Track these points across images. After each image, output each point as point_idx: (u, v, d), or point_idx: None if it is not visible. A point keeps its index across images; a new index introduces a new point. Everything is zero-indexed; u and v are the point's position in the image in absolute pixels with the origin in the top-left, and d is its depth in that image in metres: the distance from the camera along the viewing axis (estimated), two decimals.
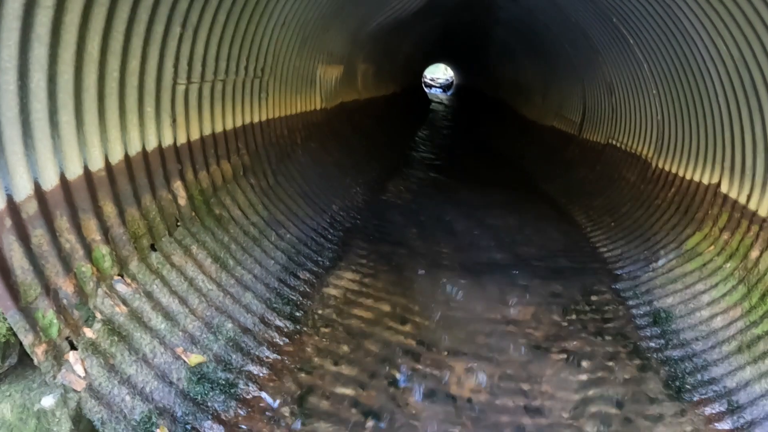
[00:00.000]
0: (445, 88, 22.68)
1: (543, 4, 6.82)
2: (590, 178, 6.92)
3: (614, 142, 6.77)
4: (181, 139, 3.46)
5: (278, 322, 3.31)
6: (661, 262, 4.60)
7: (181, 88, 3.31)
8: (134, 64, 2.83)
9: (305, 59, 5.61)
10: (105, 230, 2.84)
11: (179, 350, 2.82)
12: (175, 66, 3.13)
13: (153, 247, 3.12)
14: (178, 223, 3.38)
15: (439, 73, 24.00)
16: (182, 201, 3.47)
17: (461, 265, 4.71)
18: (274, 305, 3.42)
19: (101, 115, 2.72)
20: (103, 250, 2.77)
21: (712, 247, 4.33)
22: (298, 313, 3.46)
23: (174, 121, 3.33)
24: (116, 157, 2.91)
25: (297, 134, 5.66)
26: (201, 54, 3.34)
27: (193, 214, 3.52)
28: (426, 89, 21.36)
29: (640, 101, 6.05)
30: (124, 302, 2.79)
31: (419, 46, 13.26)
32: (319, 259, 4.24)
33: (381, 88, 11.25)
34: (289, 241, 4.22)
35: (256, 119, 4.53)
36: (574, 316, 3.94)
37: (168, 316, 2.89)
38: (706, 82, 4.40)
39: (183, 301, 3.03)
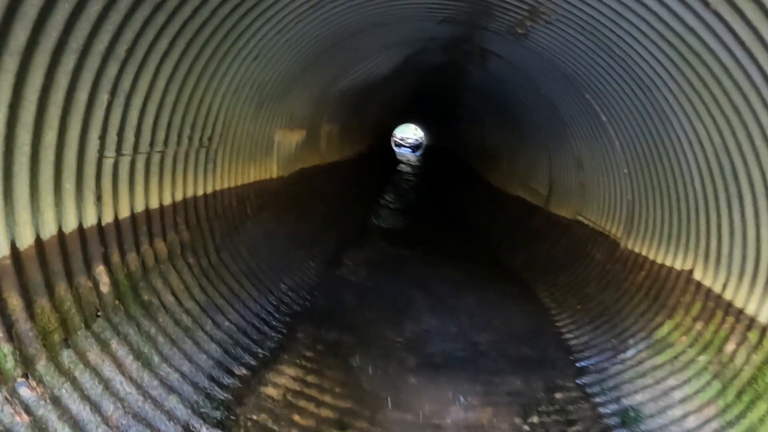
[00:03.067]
0: (414, 148, 22.97)
1: (513, 73, 7.01)
2: (555, 253, 6.91)
3: (582, 219, 6.81)
4: (107, 218, 3.23)
5: (204, 431, 2.99)
6: (630, 353, 4.49)
7: (108, 162, 3.11)
8: (50, 136, 2.63)
9: (261, 124, 5.51)
10: (8, 326, 2.56)
11: None
12: (102, 137, 2.94)
13: (66, 343, 2.83)
14: (99, 314, 3.10)
15: (409, 132, 24.33)
16: (105, 288, 3.20)
17: (415, 358, 4.50)
18: (202, 410, 3.12)
19: (7, 195, 2.49)
20: (5, 349, 2.50)
21: (685, 337, 4.25)
22: (229, 419, 3.15)
23: (99, 198, 3.11)
24: (25, 242, 2.66)
25: (248, 205, 5.48)
26: (134, 123, 3.18)
27: (117, 302, 3.25)
28: (395, 148, 21.59)
29: (610, 179, 6.13)
30: (27, 410, 2.50)
31: (389, 105, 13.46)
32: (259, 351, 3.96)
33: (346, 149, 11.24)
34: (227, 329, 3.94)
35: (200, 192, 4.34)
36: (536, 419, 3.74)
37: (76, 426, 2.60)
38: (682, 165, 4.44)
39: (96, 408, 2.73)
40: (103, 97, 2.86)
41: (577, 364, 4.64)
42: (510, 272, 7.32)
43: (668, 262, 4.86)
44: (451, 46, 6.85)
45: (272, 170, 6.27)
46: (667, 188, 4.84)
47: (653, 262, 5.11)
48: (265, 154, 5.90)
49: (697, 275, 4.39)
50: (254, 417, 3.24)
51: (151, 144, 3.42)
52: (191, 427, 2.97)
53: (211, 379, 3.38)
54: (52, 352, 2.71)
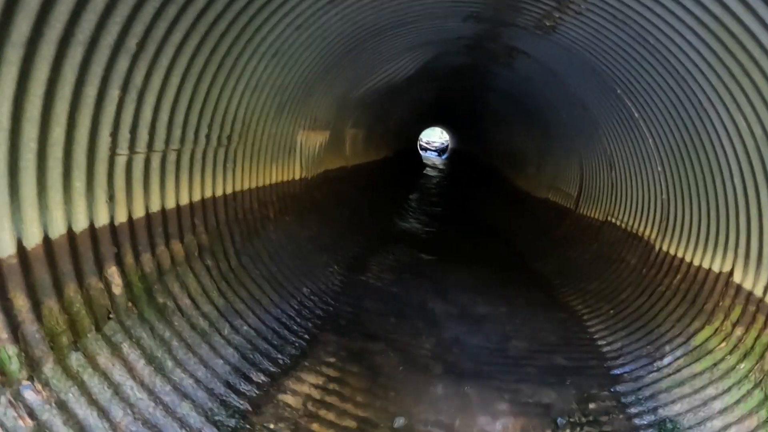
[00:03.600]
0: (440, 152, 22.92)
1: (540, 72, 6.77)
2: (586, 259, 6.61)
3: (614, 220, 6.51)
4: (121, 218, 3.12)
5: None
6: (666, 360, 4.20)
7: (121, 160, 3.01)
8: (58, 132, 2.53)
9: (283, 125, 5.40)
10: (14, 327, 2.46)
11: None
12: (113, 134, 2.84)
13: (75, 345, 2.73)
14: (110, 316, 2.99)
15: (435, 136, 24.35)
16: (117, 289, 3.09)
17: (442, 366, 4.27)
18: (216, 418, 2.97)
19: (13, 192, 2.39)
20: (9, 350, 2.41)
21: (724, 343, 3.95)
22: (244, 428, 2.99)
23: (111, 197, 3.00)
24: (32, 241, 2.56)
25: (270, 207, 5.36)
26: (148, 121, 3.07)
27: (130, 304, 3.14)
28: (421, 152, 21.58)
29: (643, 178, 5.83)
30: (31, 414, 2.39)
31: (414, 109, 13.34)
32: (279, 357, 3.80)
33: (371, 153, 11.14)
34: (246, 334, 3.80)
35: (219, 192, 4.22)
36: (568, 431, 3.48)
37: None
38: (720, 160, 4.15)
39: (104, 414, 2.61)
40: (114, 93, 2.76)
41: (612, 372, 4.36)
42: (540, 279, 7.03)
43: (706, 265, 4.56)
44: (476, 45, 6.64)
45: (295, 172, 6.16)
46: (704, 186, 4.54)
47: (690, 265, 4.81)
48: (287, 155, 5.79)
49: (737, 277, 4.09)
50: (271, 426, 3.08)
51: (167, 142, 3.32)
52: None
53: (228, 385, 3.24)
54: (59, 354, 2.61)
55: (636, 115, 5.36)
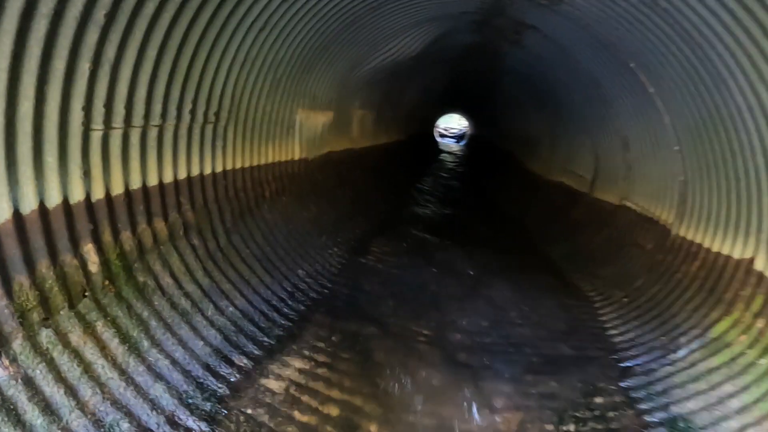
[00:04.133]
0: (458, 138, 22.89)
1: (551, 49, 6.54)
2: (600, 243, 6.43)
3: (629, 204, 6.30)
4: (98, 194, 3.07)
5: (190, 423, 2.80)
6: (681, 353, 4.03)
7: (96, 135, 2.95)
8: (26, 106, 2.47)
9: (279, 103, 5.31)
10: None
11: None
12: (86, 109, 2.77)
13: (46, 322, 2.70)
14: (86, 294, 2.96)
15: (453, 123, 24.34)
16: (93, 267, 3.05)
17: (439, 353, 4.16)
18: (190, 400, 2.92)
19: None
20: None
21: (744, 336, 3.77)
22: (219, 412, 2.94)
23: (86, 173, 2.95)
24: (2, 216, 2.52)
25: (265, 187, 5.29)
26: (124, 95, 3.00)
27: (107, 282, 3.09)
28: (439, 138, 21.55)
29: (659, 158, 5.62)
30: None
31: (427, 93, 13.17)
32: (265, 339, 3.74)
33: (381, 135, 10.99)
34: (231, 315, 3.75)
35: (207, 170, 4.16)
36: (571, 427, 3.35)
37: (48, 409, 2.45)
38: (741, 137, 3.93)
39: (71, 392, 2.58)
40: (84, 66, 2.69)
41: (621, 365, 4.20)
42: (550, 263, 6.88)
43: (726, 251, 4.37)
44: (484, 21, 6.44)
45: (294, 152, 6.08)
46: (725, 165, 4.31)
47: (708, 251, 4.62)
48: (285, 134, 5.70)
49: (759, 265, 3.90)
50: (249, 411, 3.02)
51: (146, 117, 3.25)
52: (176, 419, 2.78)
53: (206, 368, 3.19)
54: (29, 331, 2.58)
55: (651, 90, 5.13)
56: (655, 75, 4.84)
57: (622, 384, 3.87)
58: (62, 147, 2.75)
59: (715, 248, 4.53)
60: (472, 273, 6.29)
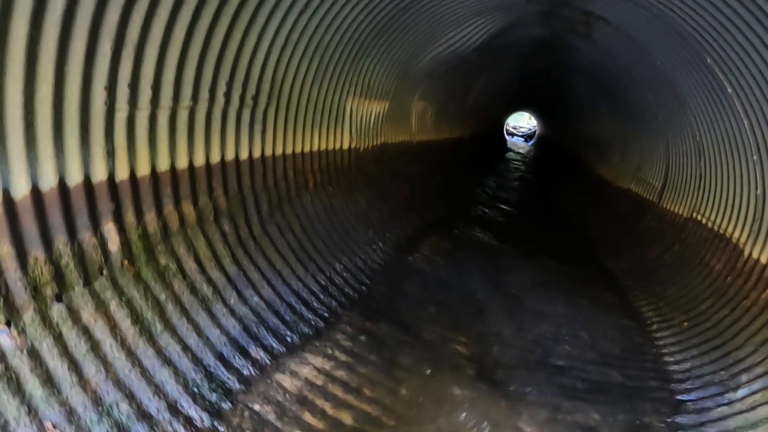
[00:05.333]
0: (527, 137, 22.61)
1: (624, 45, 6.05)
2: (666, 260, 5.89)
3: (699, 217, 5.73)
4: (122, 174, 3.04)
5: (192, 413, 2.72)
6: (741, 393, 3.57)
7: (121, 116, 2.91)
8: (45, 87, 2.45)
9: (327, 89, 5.18)
10: None
11: (48, 425, 2.35)
12: (109, 89, 2.74)
13: (59, 297, 2.71)
14: (103, 272, 2.95)
15: (522, 121, 24.26)
16: (113, 246, 3.03)
17: (476, 367, 3.87)
18: (196, 389, 2.85)
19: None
20: None
21: None
22: (224, 405, 2.85)
23: (109, 153, 2.92)
24: (20, 191, 2.52)
25: (308, 176, 5.19)
26: (150, 76, 2.95)
27: (126, 262, 3.07)
28: (508, 137, 21.35)
29: (735, 168, 5.05)
30: (1, 357, 2.37)
31: (495, 90, 12.79)
32: (288, 334, 3.62)
33: (443, 130, 10.72)
34: (255, 305, 3.66)
35: (244, 155, 4.09)
36: None
37: (49, 381, 2.45)
38: None
39: (75, 368, 2.57)
40: (106, 47, 2.65)
41: (674, 398, 3.79)
42: (611, 278, 6.39)
43: None
44: (550, 12, 6.04)
45: (343, 141, 5.94)
46: None
47: None
48: (333, 122, 5.57)
49: None
50: (256, 407, 2.91)
51: (175, 99, 3.19)
52: (178, 406, 2.71)
53: (219, 357, 3.11)
54: (42, 304, 2.58)
55: (729, 90, 4.60)
56: (735, 72, 4.32)
57: (671, 420, 3.47)
58: (84, 127, 2.72)
59: None
60: (525, 282, 5.93)
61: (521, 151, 19.21)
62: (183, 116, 3.33)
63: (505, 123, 20.95)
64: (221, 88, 3.53)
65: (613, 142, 9.38)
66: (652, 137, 7.16)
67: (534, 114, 20.62)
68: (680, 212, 6.14)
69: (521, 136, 22.91)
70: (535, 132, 22.44)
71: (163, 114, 3.18)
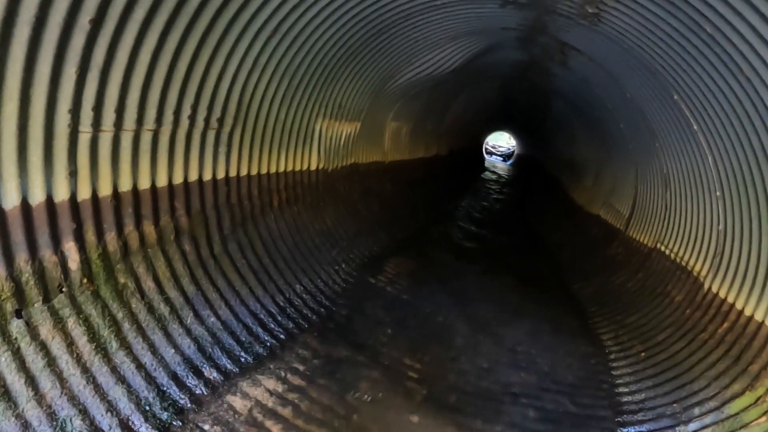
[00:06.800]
0: (505, 157, 23.28)
1: (597, 74, 6.50)
2: (629, 287, 6.29)
3: (663, 248, 6.15)
4: (84, 194, 3.31)
5: (142, 430, 2.97)
6: (692, 427, 3.90)
7: (84, 137, 3.18)
8: (11, 107, 2.72)
9: (296, 111, 5.50)
10: None
11: None
12: (73, 111, 3.01)
13: (19, 314, 2.95)
14: (62, 290, 3.20)
15: (502, 141, 24.94)
16: (73, 264, 3.29)
17: (427, 392, 4.17)
18: (148, 407, 3.10)
19: None
20: None
21: (765, 418, 3.61)
22: (175, 424, 3.11)
23: (72, 173, 3.19)
24: None
25: (273, 195, 5.49)
26: (114, 99, 3.23)
27: (85, 280, 3.33)
28: (486, 156, 21.85)
29: (699, 202, 5.47)
30: None
31: (475, 109, 13.24)
32: (242, 355, 3.90)
33: (418, 149, 11.10)
34: (211, 325, 3.93)
35: (207, 176, 4.37)
36: None
37: (6, 395, 2.70)
38: None
39: (32, 383, 2.82)
40: (71, 71, 2.92)
41: (626, 430, 4.12)
42: (574, 303, 6.78)
43: (759, 316, 4.21)
44: (528, 39, 6.47)
45: (311, 161, 6.26)
46: None
47: (741, 313, 4.45)
48: (302, 143, 5.89)
49: None
50: (205, 427, 3.17)
51: (139, 121, 3.47)
52: (130, 423, 2.96)
53: (173, 377, 3.37)
54: (1, 320, 2.82)
55: (695, 126, 5.02)
56: (700, 109, 4.72)
57: None
58: (47, 147, 2.99)
59: (747, 311, 4.37)
60: (489, 304, 6.29)
61: (499, 171, 19.71)
62: (146, 138, 3.61)
63: (484, 141, 21.53)
64: (186, 111, 3.83)
65: (587, 166, 9.84)
66: (623, 165, 7.61)
67: (513, 134, 21.20)
68: (645, 241, 6.57)
69: (500, 155, 23.54)
70: (513, 152, 23.03)
71: (126, 136, 3.46)
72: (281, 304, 4.75)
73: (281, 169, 5.60)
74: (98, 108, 3.18)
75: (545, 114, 11.94)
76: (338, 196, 7.14)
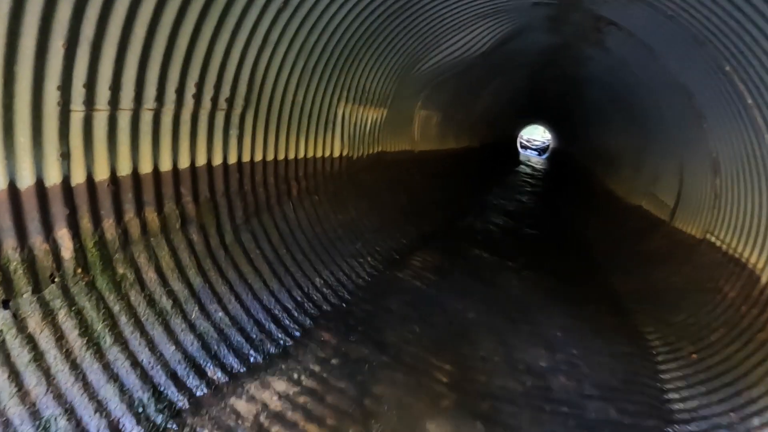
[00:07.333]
0: (540, 151, 23.26)
1: (636, 51, 6.02)
2: (675, 282, 5.82)
3: (713, 239, 5.66)
4: (78, 178, 3.09)
5: None
6: None
7: (76, 116, 2.96)
8: None
9: (315, 93, 5.22)
10: None
11: None
12: (61, 89, 2.79)
13: (6, 304, 2.76)
14: (54, 279, 2.99)
15: (536, 134, 25.04)
16: (66, 253, 3.08)
17: (458, 397, 3.80)
18: (141, 408, 2.86)
19: None
20: None
21: None
22: (169, 427, 2.86)
23: (64, 155, 2.97)
24: None
25: (292, 184, 5.23)
26: (108, 76, 3.00)
27: (79, 270, 3.11)
28: (521, 150, 21.85)
29: (754, 188, 4.98)
30: None
31: (505, 100, 12.84)
32: (251, 353, 3.63)
33: (449, 140, 10.75)
34: (218, 321, 3.67)
35: (217, 161, 4.13)
36: None
37: None
38: None
39: (15, 378, 2.61)
40: (58, 44, 2.70)
41: None
42: (615, 300, 6.32)
43: None
44: (559, 16, 6.04)
45: (333, 148, 5.98)
46: None
47: None
48: (322, 128, 5.61)
49: None
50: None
51: (137, 100, 3.24)
52: (120, 425, 2.72)
53: (171, 376, 3.12)
54: None
55: (750, 101, 4.53)
56: (756, 81, 4.24)
57: None
58: (36, 127, 2.78)
59: None
60: (522, 301, 5.90)
61: (533, 164, 19.30)
62: (146, 118, 3.37)
63: (518, 135, 21.45)
64: (190, 90, 3.58)
65: (625, 156, 9.34)
66: (666, 152, 7.11)
67: (547, 127, 20.95)
68: (693, 232, 6.08)
69: (535, 150, 23.45)
70: (548, 146, 22.78)
71: (123, 116, 3.22)
72: (298, 298, 4.47)
73: (300, 155, 5.33)
74: (90, 85, 2.96)
75: (578, 103, 11.48)
76: (363, 185, 6.85)
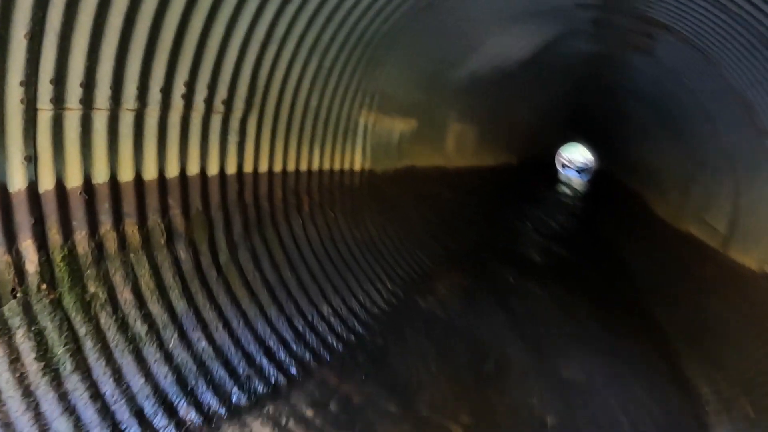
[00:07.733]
0: (581, 171, 23.07)
1: (689, 58, 5.45)
2: (727, 320, 5.19)
3: None
4: (46, 184, 2.80)
5: None
6: None
7: (44, 115, 2.67)
8: None
9: (332, 99, 4.86)
10: None
11: None
12: (25, 84, 2.50)
13: None
14: (16, 295, 2.70)
15: (577, 154, 24.46)
16: (30, 266, 2.78)
17: None
18: None
19: None
20: None
21: None
22: None
23: (29, 158, 2.68)
24: None
25: (303, 198, 4.87)
26: (80, 71, 2.70)
27: (44, 286, 2.81)
28: (560, 169, 21.58)
29: None
30: None
31: (546, 114, 12.40)
32: (234, 391, 3.23)
33: (485, 156, 10.29)
34: (199, 351, 3.30)
35: (213, 170, 3.80)
36: None
37: None
38: None
39: None
40: (19, 35, 2.43)
41: None
42: (659, 336, 5.71)
43: None
44: (604, 20, 5.55)
45: (354, 160, 5.61)
46: None
47: None
48: (341, 138, 5.25)
49: None
50: None
51: (114, 99, 2.93)
52: None
53: (137, 413, 2.76)
54: None
55: None
56: None
57: None
58: None
59: None
60: (557, 336, 5.36)
61: (573, 185, 18.69)
62: (127, 120, 3.07)
63: (557, 154, 21.19)
64: (178, 89, 3.26)
65: (671, 178, 8.70)
66: (720, 173, 6.48)
67: (587, 145, 20.56)
68: (749, 264, 5.44)
69: (575, 170, 22.95)
70: (590, 166, 22.38)
71: (99, 116, 2.92)
72: (299, 328, 4.06)
73: (315, 167, 4.97)
74: (59, 81, 2.67)
75: (621, 119, 10.89)
76: (385, 201, 6.45)
